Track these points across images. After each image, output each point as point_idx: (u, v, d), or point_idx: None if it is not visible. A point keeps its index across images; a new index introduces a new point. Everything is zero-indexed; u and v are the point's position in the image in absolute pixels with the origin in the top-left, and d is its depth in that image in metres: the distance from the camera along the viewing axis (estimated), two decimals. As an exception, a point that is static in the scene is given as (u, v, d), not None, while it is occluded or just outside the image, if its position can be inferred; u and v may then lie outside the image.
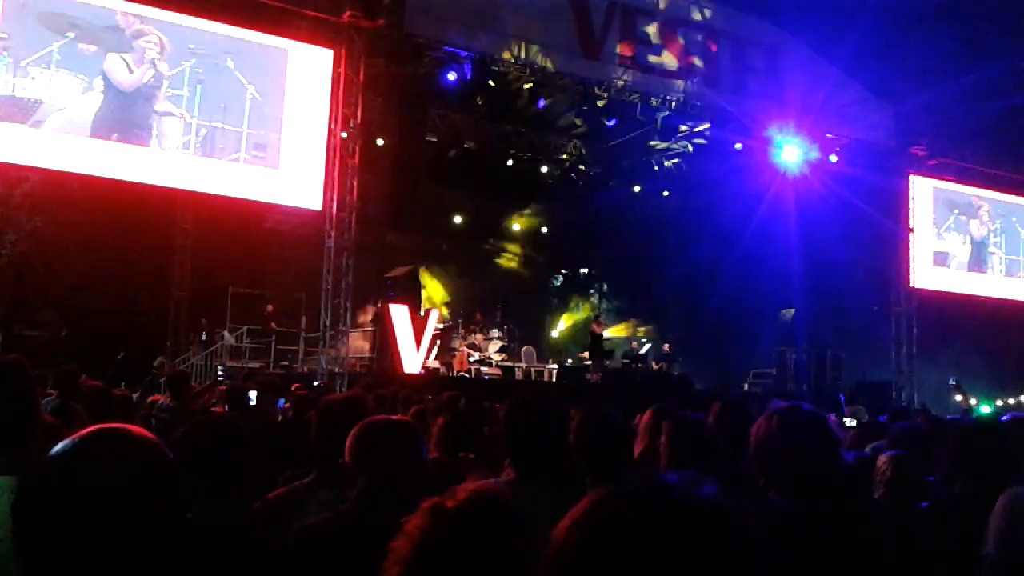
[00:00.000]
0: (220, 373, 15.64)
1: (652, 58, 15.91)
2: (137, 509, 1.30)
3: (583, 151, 20.27)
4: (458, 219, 22.51)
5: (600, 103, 15.85)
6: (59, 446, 1.35)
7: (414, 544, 1.33)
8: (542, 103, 15.75)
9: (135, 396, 9.60)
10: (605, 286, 25.78)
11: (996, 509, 2.82)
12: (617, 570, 0.86)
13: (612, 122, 16.22)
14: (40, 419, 2.37)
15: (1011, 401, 21.13)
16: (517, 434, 2.75)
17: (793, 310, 18.21)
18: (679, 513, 0.89)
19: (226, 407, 7.06)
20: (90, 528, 1.27)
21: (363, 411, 2.92)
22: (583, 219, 23.16)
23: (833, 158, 17.80)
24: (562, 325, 24.88)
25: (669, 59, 16.06)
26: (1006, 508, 2.81)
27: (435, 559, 1.32)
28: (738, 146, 17.33)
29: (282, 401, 8.61)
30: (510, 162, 19.58)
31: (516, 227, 23.68)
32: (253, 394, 7.69)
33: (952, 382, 16.15)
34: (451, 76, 14.42)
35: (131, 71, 12.24)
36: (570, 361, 20.35)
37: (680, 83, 16.17)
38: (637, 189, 21.85)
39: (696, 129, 17.76)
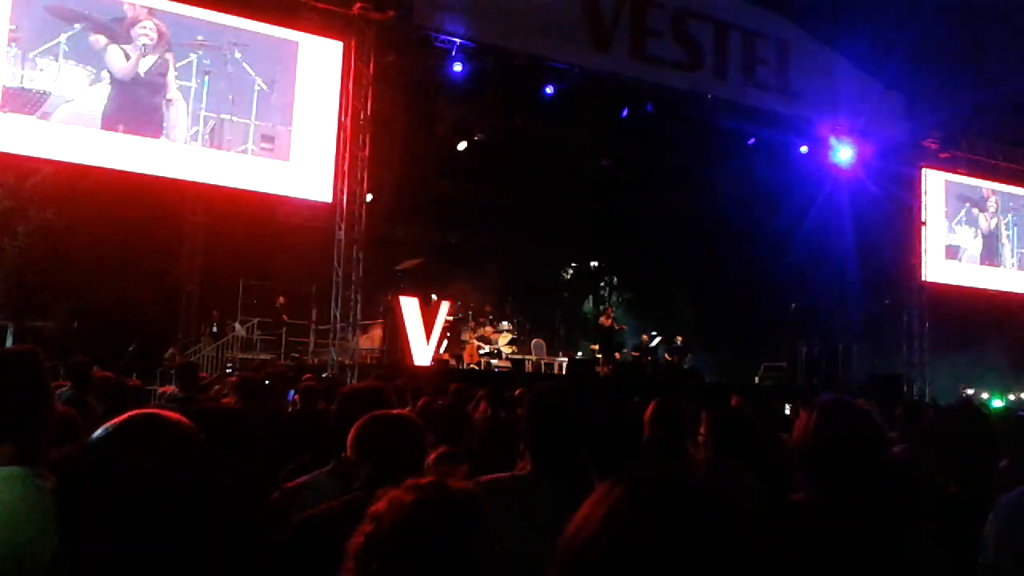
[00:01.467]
0: (229, 365, 15.70)
1: (662, 50, 15.85)
2: (176, 490, 1.36)
3: (594, 143, 20.18)
4: (468, 211, 22.45)
5: (610, 95, 15.80)
6: (100, 430, 1.40)
7: (371, 530, 1.42)
8: (552, 94, 15.68)
9: (160, 391, 9.62)
10: (615, 279, 25.72)
11: (991, 517, 2.65)
12: (653, 562, 0.84)
13: (623, 113, 16.17)
14: (55, 409, 2.34)
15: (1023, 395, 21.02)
16: (540, 427, 2.66)
17: (802, 305, 18.16)
18: (705, 502, 0.90)
19: (237, 398, 7.06)
20: (132, 509, 1.32)
21: (383, 402, 2.89)
22: (593, 212, 23.09)
23: (845, 151, 17.70)
24: (572, 318, 24.84)
25: (679, 51, 16.01)
26: (997, 517, 2.63)
27: (386, 545, 1.39)
28: (751, 140, 17.24)
29: (292, 392, 8.63)
30: (520, 154, 19.52)
31: (526, 219, 23.59)
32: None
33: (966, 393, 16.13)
34: (457, 67, 14.41)
35: (128, 59, 12.23)
36: (580, 354, 20.31)
37: (690, 76, 16.11)
38: (648, 182, 21.78)
39: (707, 122, 17.67)
